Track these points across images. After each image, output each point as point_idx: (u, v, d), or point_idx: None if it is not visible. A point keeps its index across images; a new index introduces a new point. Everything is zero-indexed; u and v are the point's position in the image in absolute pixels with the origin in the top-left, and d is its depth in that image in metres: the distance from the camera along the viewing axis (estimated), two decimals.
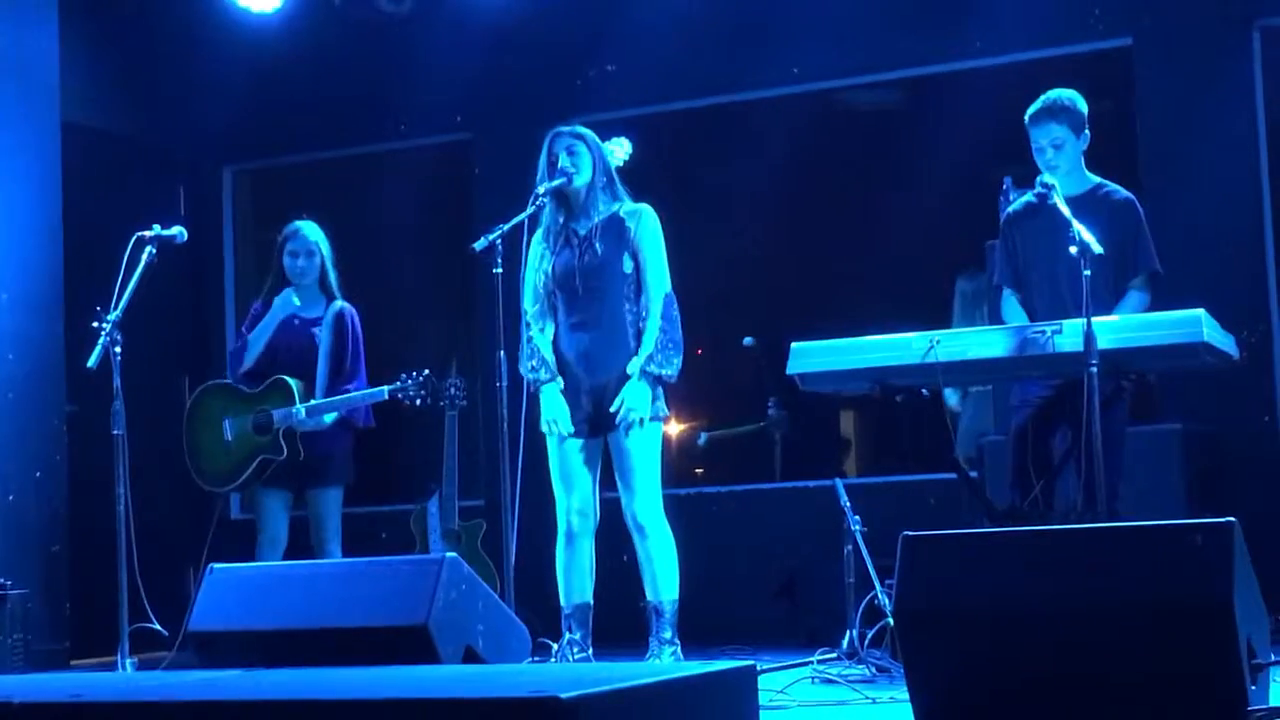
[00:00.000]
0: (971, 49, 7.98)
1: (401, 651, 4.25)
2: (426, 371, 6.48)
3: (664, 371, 5.51)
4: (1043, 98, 5.57)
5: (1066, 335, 5.05)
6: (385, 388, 6.41)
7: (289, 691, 3.29)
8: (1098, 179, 5.64)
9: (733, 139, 8.96)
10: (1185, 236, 6.89)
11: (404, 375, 6.43)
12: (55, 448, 7.51)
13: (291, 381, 6.40)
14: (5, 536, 7.18)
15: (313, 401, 6.39)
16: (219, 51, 8.91)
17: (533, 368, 5.59)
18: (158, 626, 5.91)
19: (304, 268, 6.57)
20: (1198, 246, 7.03)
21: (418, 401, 6.41)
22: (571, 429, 5.55)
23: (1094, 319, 4.91)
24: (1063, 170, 5.50)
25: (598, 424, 5.59)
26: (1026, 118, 5.58)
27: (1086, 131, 5.57)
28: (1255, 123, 7.39)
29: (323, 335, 6.53)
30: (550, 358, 5.60)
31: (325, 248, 6.61)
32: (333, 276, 6.62)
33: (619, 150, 5.78)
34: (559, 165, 5.59)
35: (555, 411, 5.55)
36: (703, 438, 9.26)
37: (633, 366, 5.51)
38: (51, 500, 7.47)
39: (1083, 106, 5.57)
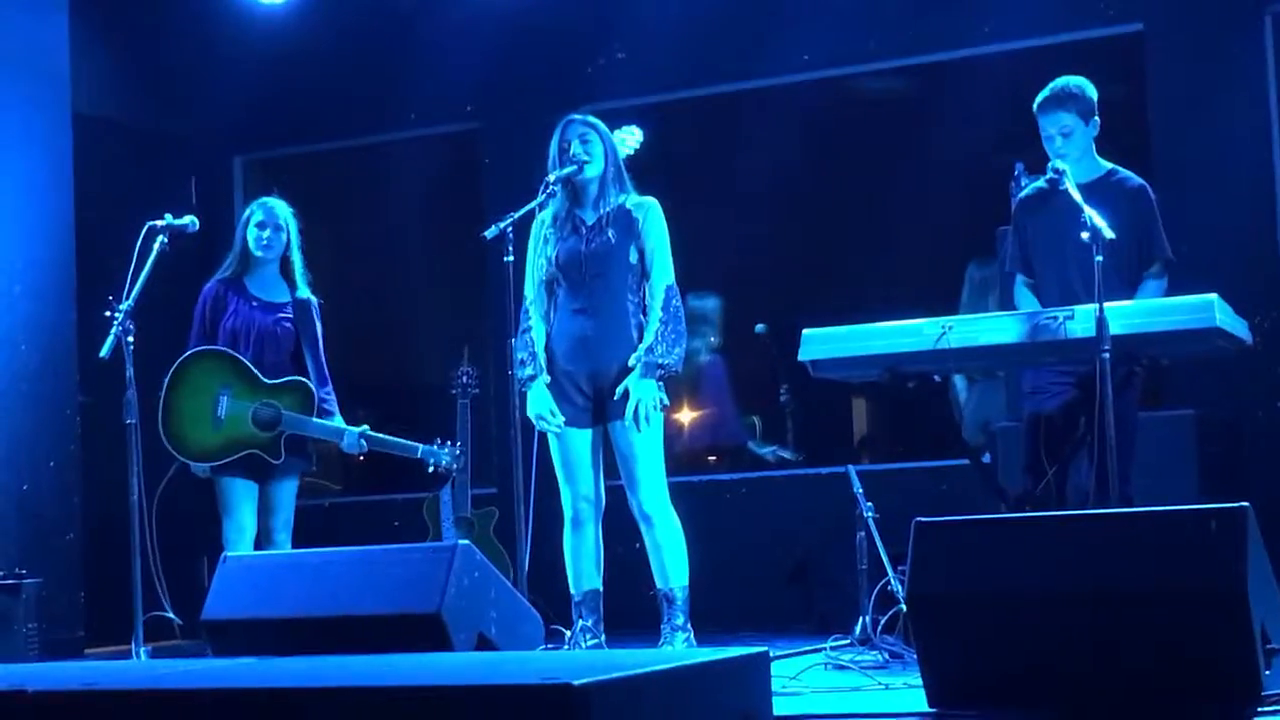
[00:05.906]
0: (982, 35, 7.96)
1: (414, 639, 4.27)
2: (460, 444, 6.32)
3: (665, 361, 5.47)
4: (1050, 85, 5.51)
5: (1079, 321, 5.03)
6: (420, 446, 6.17)
7: (302, 679, 3.29)
8: (1109, 165, 5.59)
9: (743, 126, 8.95)
10: (1197, 221, 6.86)
11: (439, 440, 6.21)
12: (69, 437, 7.53)
13: (313, 389, 6.11)
14: (20, 526, 7.21)
15: (366, 430, 6.08)
16: (230, 41, 8.93)
17: (521, 361, 5.51)
18: (172, 615, 5.92)
19: (270, 240, 6.22)
20: (1210, 231, 7.00)
21: (442, 468, 6.22)
22: (562, 419, 5.49)
23: (1106, 304, 4.89)
24: (1072, 158, 5.44)
25: (598, 412, 5.57)
26: (1035, 106, 5.52)
27: (1096, 118, 5.51)
28: (1267, 107, 7.37)
29: (301, 329, 6.21)
30: (541, 354, 5.54)
31: (294, 229, 6.29)
32: (297, 261, 6.28)
33: (630, 139, 5.75)
34: (571, 153, 5.56)
35: (541, 407, 5.48)
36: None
37: (634, 359, 5.48)
38: (66, 489, 7.50)
39: (1091, 93, 5.51)
